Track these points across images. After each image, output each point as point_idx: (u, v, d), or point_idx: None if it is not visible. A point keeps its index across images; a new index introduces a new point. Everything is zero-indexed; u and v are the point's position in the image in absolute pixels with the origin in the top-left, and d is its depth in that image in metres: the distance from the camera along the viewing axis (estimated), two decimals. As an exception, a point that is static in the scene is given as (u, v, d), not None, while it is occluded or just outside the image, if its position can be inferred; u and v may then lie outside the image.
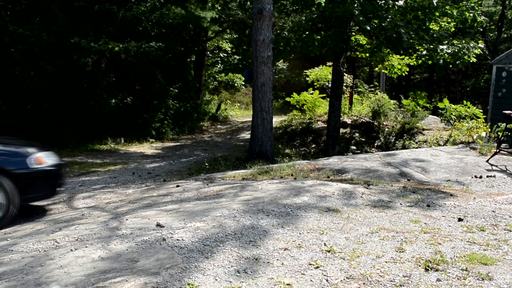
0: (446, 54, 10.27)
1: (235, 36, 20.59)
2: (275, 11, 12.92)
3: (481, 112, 12.45)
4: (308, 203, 4.60)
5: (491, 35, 29.61)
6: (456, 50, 10.21)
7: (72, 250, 3.30)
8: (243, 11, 14.51)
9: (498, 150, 7.05)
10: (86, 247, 3.36)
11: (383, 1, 10.68)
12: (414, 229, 3.90)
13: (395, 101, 15.33)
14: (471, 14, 10.56)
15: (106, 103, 13.11)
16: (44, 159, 5.15)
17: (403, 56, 12.35)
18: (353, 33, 12.11)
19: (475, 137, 10.45)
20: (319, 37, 11.33)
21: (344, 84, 14.73)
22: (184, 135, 16.66)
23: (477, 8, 10.68)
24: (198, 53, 19.69)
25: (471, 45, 10.60)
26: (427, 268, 3.02)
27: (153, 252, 3.23)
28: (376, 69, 14.79)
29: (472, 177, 6.09)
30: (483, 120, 11.58)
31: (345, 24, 11.51)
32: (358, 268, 3.03)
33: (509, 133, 7.48)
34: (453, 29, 11.40)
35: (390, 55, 12.51)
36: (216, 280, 2.82)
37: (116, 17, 13.23)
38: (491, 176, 6.07)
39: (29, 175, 4.98)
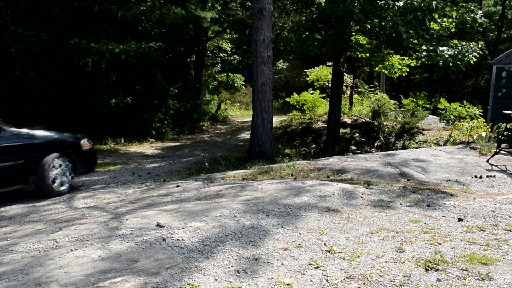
0: (446, 55, 10.27)
1: (235, 36, 20.59)
2: (275, 11, 12.92)
3: (480, 112, 12.45)
4: (308, 203, 4.60)
5: (491, 35, 29.59)
6: (456, 52, 10.22)
7: (72, 250, 3.30)
8: (243, 10, 14.52)
9: (498, 150, 7.05)
10: (86, 247, 3.36)
11: (383, 1, 10.68)
12: (414, 229, 3.90)
13: (395, 101, 15.33)
14: (472, 15, 10.58)
15: (106, 103, 13.11)
16: (88, 143, 6.94)
17: (403, 57, 12.36)
18: (353, 33, 12.11)
19: (475, 137, 10.44)
20: (319, 37, 11.33)
21: (344, 84, 14.73)
22: (184, 135, 16.66)
23: (476, 11, 10.69)
24: (198, 53, 19.69)
25: (471, 45, 10.60)
26: (427, 268, 3.02)
27: (153, 252, 3.23)
28: (376, 69, 14.78)
29: (472, 177, 6.09)
30: (484, 120, 11.58)
31: (345, 23, 11.51)
32: (358, 268, 3.03)
33: (509, 133, 7.48)
34: (453, 29, 11.40)
35: (390, 55, 12.52)
36: (216, 280, 2.82)
37: (116, 17, 13.22)
38: (491, 176, 6.07)
39: (81, 154, 6.76)
